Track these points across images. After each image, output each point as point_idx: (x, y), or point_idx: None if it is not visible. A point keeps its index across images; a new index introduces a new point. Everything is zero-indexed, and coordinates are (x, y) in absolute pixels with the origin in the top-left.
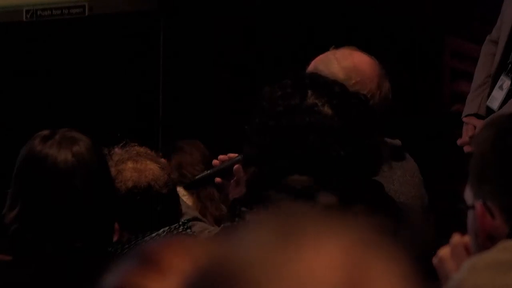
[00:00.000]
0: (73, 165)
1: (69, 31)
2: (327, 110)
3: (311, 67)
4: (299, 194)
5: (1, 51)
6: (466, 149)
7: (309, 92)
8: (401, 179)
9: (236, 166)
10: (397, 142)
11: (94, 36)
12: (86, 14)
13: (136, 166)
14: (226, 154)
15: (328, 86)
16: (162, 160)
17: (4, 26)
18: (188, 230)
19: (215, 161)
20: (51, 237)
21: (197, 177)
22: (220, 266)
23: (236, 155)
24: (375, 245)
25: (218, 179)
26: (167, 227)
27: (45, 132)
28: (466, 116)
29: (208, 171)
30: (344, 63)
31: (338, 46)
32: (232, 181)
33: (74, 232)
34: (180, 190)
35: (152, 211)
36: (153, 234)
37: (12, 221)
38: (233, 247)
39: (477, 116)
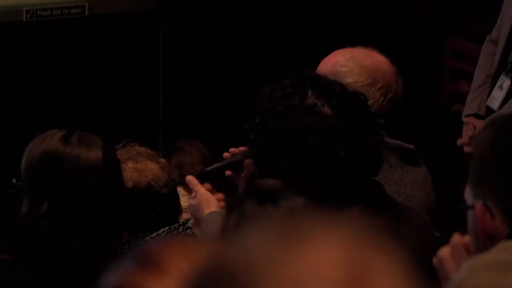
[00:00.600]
0: (101, 163)
1: (69, 31)
2: (327, 110)
3: (325, 69)
4: (265, 197)
5: (1, 51)
6: (466, 149)
7: (309, 92)
8: (413, 183)
9: (247, 161)
10: (411, 146)
11: (94, 36)
12: (86, 14)
13: (136, 166)
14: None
15: (328, 86)
16: (162, 160)
17: (4, 26)
18: (188, 230)
19: (226, 154)
20: (81, 233)
21: (207, 169)
22: (221, 265)
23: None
24: (375, 244)
25: (228, 172)
26: (167, 227)
27: (62, 131)
28: (466, 116)
29: (219, 164)
30: (367, 66)
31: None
32: (242, 175)
33: (101, 229)
34: (180, 190)
35: (152, 211)
36: (153, 234)
37: (42, 218)
38: (233, 247)
39: (477, 116)
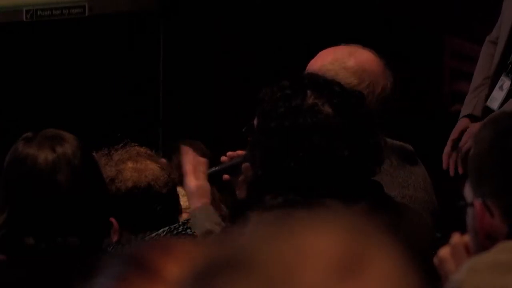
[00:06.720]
0: (54, 162)
1: (69, 31)
2: (327, 109)
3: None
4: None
5: (1, 51)
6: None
7: (309, 92)
8: (415, 184)
9: (245, 165)
10: (409, 146)
11: (94, 36)
12: (86, 14)
13: (136, 166)
14: (234, 151)
15: (327, 86)
16: (162, 160)
17: (4, 26)
18: (188, 230)
19: (223, 158)
20: (42, 236)
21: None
22: (218, 259)
23: (245, 152)
24: (372, 238)
25: (226, 176)
26: (167, 227)
27: (28, 134)
28: (463, 117)
29: (216, 167)
30: (350, 67)
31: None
32: (240, 178)
33: (66, 229)
34: (180, 190)
35: (152, 211)
36: (153, 234)
37: (1, 226)
38: (229, 241)
39: (472, 117)
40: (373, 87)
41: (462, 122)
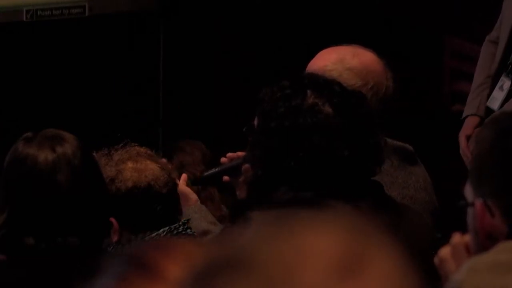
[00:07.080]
0: (54, 162)
1: (69, 31)
2: (327, 109)
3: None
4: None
5: (1, 51)
6: (462, 144)
7: (309, 92)
8: (416, 184)
9: (245, 166)
10: (409, 147)
11: (94, 36)
12: (86, 14)
13: (136, 166)
14: (234, 152)
15: (327, 85)
16: (162, 160)
17: (4, 26)
18: (188, 230)
19: (223, 159)
20: (42, 236)
21: (205, 174)
22: (218, 259)
23: (245, 153)
24: (372, 238)
25: (226, 178)
26: (167, 227)
27: (28, 134)
28: (465, 117)
29: (216, 169)
30: (355, 68)
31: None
32: (240, 179)
33: (66, 229)
34: None
35: (152, 211)
36: (153, 234)
37: (1, 226)
38: (229, 241)
39: (478, 116)
40: (377, 88)
41: (471, 120)
